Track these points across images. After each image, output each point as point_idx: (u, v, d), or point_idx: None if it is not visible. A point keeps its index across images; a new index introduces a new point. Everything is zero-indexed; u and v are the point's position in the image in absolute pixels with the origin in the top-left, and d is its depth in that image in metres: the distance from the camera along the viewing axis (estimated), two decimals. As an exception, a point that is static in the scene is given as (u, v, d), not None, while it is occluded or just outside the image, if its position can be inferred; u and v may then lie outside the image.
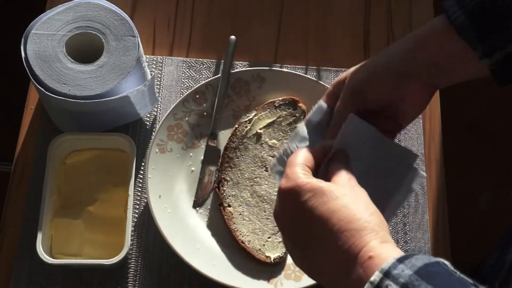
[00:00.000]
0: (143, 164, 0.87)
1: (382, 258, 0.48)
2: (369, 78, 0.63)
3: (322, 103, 0.68)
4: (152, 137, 0.85)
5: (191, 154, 0.87)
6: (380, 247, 0.49)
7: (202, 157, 0.87)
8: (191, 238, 0.82)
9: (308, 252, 0.53)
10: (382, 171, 0.64)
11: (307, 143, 0.67)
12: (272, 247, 0.82)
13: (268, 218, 0.83)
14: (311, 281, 0.79)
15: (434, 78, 0.63)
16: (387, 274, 0.46)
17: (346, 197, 0.52)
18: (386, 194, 0.63)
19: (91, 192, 0.82)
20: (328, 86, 0.90)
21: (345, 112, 0.63)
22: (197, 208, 0.85)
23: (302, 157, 0.57)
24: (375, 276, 0.46)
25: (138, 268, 0.82)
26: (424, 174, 0.66)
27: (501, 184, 1.72)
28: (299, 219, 0.53)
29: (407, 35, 0.64)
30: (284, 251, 0.82)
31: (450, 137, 1.04)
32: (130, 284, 0.81)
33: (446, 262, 0.48)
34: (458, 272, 0.47)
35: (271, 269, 0.81)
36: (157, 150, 0.85)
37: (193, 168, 0.86)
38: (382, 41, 0.99)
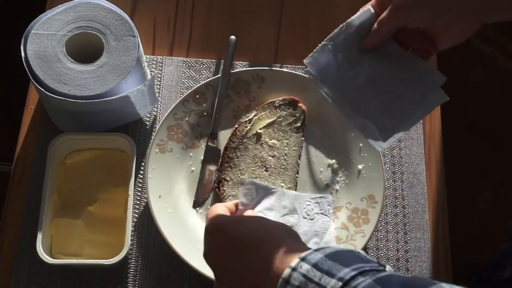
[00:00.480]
0: (143, 164, 0.87)
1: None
2: (417, 1, 0.65)
3: (370, 7, 0.70)
4: (152, 137, 0.85)
5: (191, 154, 0.87)
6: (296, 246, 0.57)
7: (202, 157, 0.87)
8: (191, 238, 0.82)
9: (232, 275, 0.60)
10: (406, 84, 0.69)
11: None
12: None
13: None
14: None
15: (481, 12, 0.65)
16: (303, 259, 0.53)
17: (261, 218, 0.65)
18: (408, 106, 0.69)
19: (91, 192, 0.82)
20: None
21: (387, 25, 0.67)
22: (197, 208, 0.85)
23: (220, 206, 0.70)
24: (294, 262, 0.53)
25: (138, 268, 0.82)
26: (447, 97, 0.70)
27: (501, 184, 1.72)
28: (223, 246, 0.61)
29: None
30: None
31: (450, 137, 1.04)
32: (130, 284, 0.81)
33: (361, 251, 0.56)
34: (367, 257, 0.55)
35: (271, 269, 0.81)
36: (157, 150, 0.85)
37: (193, 168, 0.86)
38: (382, 41, 0.99)
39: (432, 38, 0.69)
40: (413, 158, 0.91)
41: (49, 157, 0.80)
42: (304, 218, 0.83)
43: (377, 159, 0.86)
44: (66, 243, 0.80)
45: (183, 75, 0.93)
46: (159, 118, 0.90)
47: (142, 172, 0.87)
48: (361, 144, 0.87)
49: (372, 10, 0.70)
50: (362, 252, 0.55)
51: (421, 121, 0.93)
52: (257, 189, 0.80)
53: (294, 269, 0.53)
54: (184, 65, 0.94)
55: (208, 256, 0.63)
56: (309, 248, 0.56)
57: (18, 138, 0.88)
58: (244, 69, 0.93)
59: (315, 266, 0.52)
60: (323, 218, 0.84)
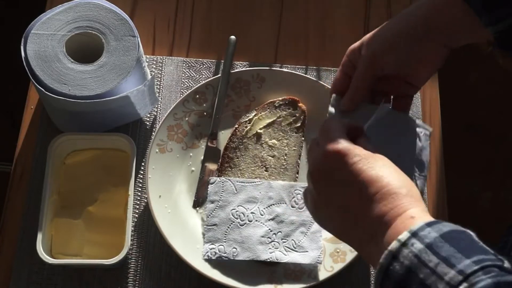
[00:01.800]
0: (143, 164, 0.87)
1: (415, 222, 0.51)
2: (385, 46, 0.68)
3: (334, 96, 0.72)
4: (152, 137, 0.85)
5: (191, 154, 0.87)
6: (420, 213, 0.52)
7: (202, 157, 0.87)
8: (191, 238, 0.82)
9: (344, 214, 0.56)
10: (413, 157, 0.71)
11: None
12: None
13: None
14: (311, 281, 0.79)
15: (446, 40, 0.67)
16: (414, 234, 0.49)
17: (392, 167, 0.56)
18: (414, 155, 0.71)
19: (91, 192, 0.82)
20: (329, 86, 0.90)
21: (363, 80, 0.69)
22: (197, 208, 0.85)
23: (343, 125, 0.61)
24: (403, 235, 0.49)
25: (138, 268, 0.82)
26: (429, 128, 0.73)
27: (501, 184, 1.72)
28: (342, 181, 0.56)
29: (415, 3, 0.69)
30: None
31: (450, 137, 1.04)
32: (130, 284, 0.81)
33: (472, 233, 0.51)
34: (481, 242, 0.50)
35: (271, 269, 0.81)
36: (157, 150, 0.85)
37: (193, 168, 0.86)
38: (382, 41, 0.99)
39: (407, 80, 0.70)
40: (413, 158, 0.91)
41: (49, 157, 0.80)
42: (293, 207, 0.84)
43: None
44: (66, 243, 0.80)
45: (183, 75, 0.93)
46: (159, 118, 0.90)
47: (142, 172, 0.87)
48: (361, 144, 0.87)
49: (337, 97, 0.71)
50: (474, 235, 0.51)
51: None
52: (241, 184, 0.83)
53: (404, 245, 0.49)
54: (184, 65, 0.94)
55: (319, 176, 0.59)
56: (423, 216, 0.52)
57: (18, 138, 0.88)
58: (244, 69, 0.93)
59: (430, 247, 0.48)
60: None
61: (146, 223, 0.84)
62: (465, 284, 0.45)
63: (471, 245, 0.49)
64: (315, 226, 0.83)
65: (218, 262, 0.80)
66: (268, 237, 0.82)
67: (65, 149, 0.83)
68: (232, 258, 0.80)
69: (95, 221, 0.81)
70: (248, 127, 0.87)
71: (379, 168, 0.55)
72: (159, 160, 0.84)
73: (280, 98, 0.89)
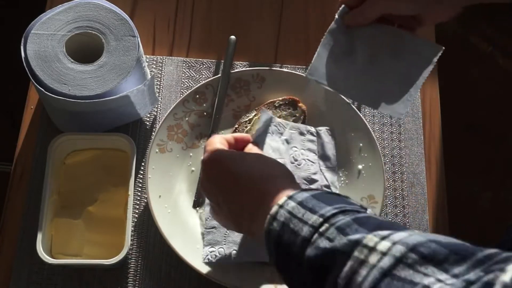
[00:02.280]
0: (143, 164, 0.87)
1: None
2: None
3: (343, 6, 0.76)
4: (152, 137, 0.85)
5: (191, 154, 0.87)
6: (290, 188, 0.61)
7: (202, 157, 0.87)
8: (191, 238, 0.82)
9: (232, 205, 0.65)
10: (403, 54, 0.74)
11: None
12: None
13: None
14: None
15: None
16: (290, 197, 0.58)
17: (261, 156, 0.69)
18: (412, 69, 0.74)
19: (91, 192, 0.82)
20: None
21: (371, 10, 0.72)
22: (197, 208, 0.85)
23: (222, 138, 0.71)
24: (282, 200, 0.58)
25: (138, 268, 0.82)
26: (441, 47, 0.75)
27: (501, 184, 1.72)
28: (223, 180, 0.65)
29: None
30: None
31: (450, 137, 1.04)
32: (130, 284, 0.81)
33: (348, 197, 0.59)
34: (353, 202, 0.58)
35: (271, 269, 0.81)
36: (157, 150, 0.85)
37: (193, 168, 0.86)
38: (382, 41, 0.99)
39: (417, 18, 0.73)
40: (413, 158, 0.91)
41: (49, 157, 0.80)
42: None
43: (377, 159, 0.86)
44: (66, 243, 0.80)
45: (183, 75, 0.93)
46: (159, 118, 0.90)
47: (142, 172, 0.87)
48: (361, 144, 0.87)
49: (345, 8, 0.74)
50: (351, 199, 0.58)
51: (421, 121, 0.93)
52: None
53: (281, 206, 0.57)
54: (184, 65, 0.94)
55: (205, 186, 0.68)
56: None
57: (18, 138, 0.88)
58: (244, 69, 0.93)
59: (300, 203, 0.56)
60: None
61: (146, 223, 0.84)
62: (326, 225, 0.53)
63: (337, 200, 0.56)
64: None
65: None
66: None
67: (65, 149, 0.83)
68: (232, 260, 0.80)
69: (95, 221, 0.81)
70: (248, 127, 0.87)
71: (250, 161, 0.66)
72: (159, 160, 0.84)
73: (280, 98, 0.89)
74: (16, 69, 0.86)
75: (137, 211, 0.85)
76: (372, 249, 0.47)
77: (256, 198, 0.62)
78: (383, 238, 0.48)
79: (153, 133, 0.88)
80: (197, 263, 0.79)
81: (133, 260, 0.82)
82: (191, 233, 0.82)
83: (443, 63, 0.96)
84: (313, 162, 0.85)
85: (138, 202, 0.85)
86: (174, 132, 0.86)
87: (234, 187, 0.64)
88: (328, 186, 0.84)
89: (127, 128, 0.89)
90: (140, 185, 0.86)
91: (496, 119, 1.79)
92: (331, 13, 1.00)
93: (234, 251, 0.80)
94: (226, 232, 0.81)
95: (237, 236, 0.81)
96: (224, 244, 0.81)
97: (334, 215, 0.53)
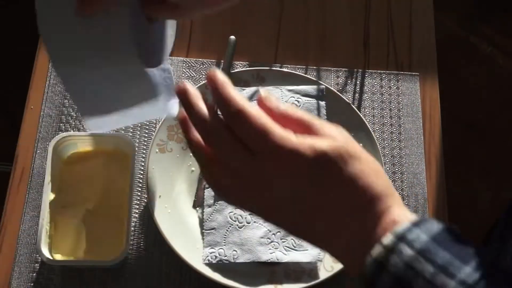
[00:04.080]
0: (143, 164, 0.87)
1: (397, 219, 0.45)
2: None
3: None
4: (152, 137, 0.85)
5: (191, 154, 0.87)
6: (401, 209, 0.46)
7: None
8: (191, 238, 0.82)
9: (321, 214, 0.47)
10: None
11: None
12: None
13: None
14: (311, 281, 0.79)
15: None
16: (401, 238, 0.43)
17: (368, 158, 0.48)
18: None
19: (91, 192, 0.82)
20: (329, 86, 0.90)
21: None
22: (197, 208, 0.85)
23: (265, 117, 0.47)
24: (387, 239, 0.43)
25: (138, 268, 0.82)
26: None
27: (501, 184, 1.72)
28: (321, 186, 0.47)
29: None
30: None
31: (450, 137, 1.04)
32: (130, 284, 0.81)
33: (457, 229, 0.46)
34: (470, 240, 0.46)
35: (271, 269, 0.81)
36: (157, 150, 0.85)
37: (193, 168, 0.86)
38: (382, 41, 0.99)
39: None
40: (413, 158, 0.91)
41: (49, 157, 0.80)
42: None
43: (377, 159, 0.85)
44: (66, 243, 0.80)
45: (183, 75, 0.93)
46: (159, 118, 0.90)
47: (142, 172, 0.87)
48: (361, 144, 0.87)
49: None
50: (458, 231, 0.45)
51: (421, 121, 0.93)
52: None
53: (390, 251, 0.43)
54: (184, 65, 0.94)
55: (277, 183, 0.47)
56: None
57: (18, 138, 0.88)
58: (244, 69, 0.93)
59: (423, 254, 0.42)
60: None
61: (146, 223, 0.84)
62: None
63: (462, 246, 0.44)
64: None
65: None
66: (268, 238, 0.82)
67: (65, 149, 0.83)
68: (232, 261, 0.80)
69: (95, 221, 0.81)
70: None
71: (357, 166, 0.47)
72: (159, 160, 0.84)
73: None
74: (16, 69, 0.86)
75: (137, 211, 0.85)
76: None
77: (356, 217, 0.46)
78: None
79: (153, 133, 0.88)
80: (197, 263, 0.79)
81: (133, 260, 0.82)
82: (191, 233, 0.82)
83: (443, 63, 0.96)
84: None
85: (138, 202, 0.85)
86: (174, 132, 0.86)
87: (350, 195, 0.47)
88: None
89: (127, 128, 0.89)
90: (140, 185, 0.86)
91: (496, 119, 1.79)
92: (331, 13, 1.01)
93: (234, 252, 0.80)
94: (226, 233, 0.81)
95: (236, 237, 0.81)
96: (224, 245, 0.81)
97: (478, 281, 0.41)
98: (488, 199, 1.71)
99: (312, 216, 0.47)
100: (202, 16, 0.57)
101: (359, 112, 0.88)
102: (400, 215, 0.46)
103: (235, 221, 0.82)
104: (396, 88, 0.95)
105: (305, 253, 0.81)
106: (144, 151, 0.88)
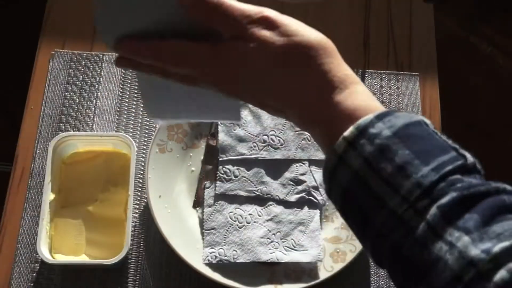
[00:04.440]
0: (143, 164, 0.87)
1: (358, 105, 0.44)
2: None
3: None
4: (152, 137, 0.85)
5: (191, 154, 0.87)
6: (356, 84, 0.46)
7: (202, 157, 0.87)
8: (191, 238, 0.82)
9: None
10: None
11: None
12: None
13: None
14: (311, 281, 0.79)
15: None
16: (363, 132, 0.42)
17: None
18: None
19: (91, 192, 0.82)
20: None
21: None
22: (197, 208, 0.85)
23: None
24: (350, 132, 0.42)
25: (138, 268, 0.82)
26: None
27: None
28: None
29: None
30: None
31: (450, 137, 1.04)
32: (130, 284, 0.81)
33: (427, 121, 0.44)
34: (438, 133, 0.44)
35: (271, 269, 0.81)
36: (157, 150, 0.85)
37: (193, 168, 0.86)
38: (382, 41, 0.99)
39: None
40: (413, 158, 0.91)
41: (49, 157, 0.80)
42: (287, 202, 0.84)
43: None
44: (66, 243, 0.80)
45: (183, 75, 0.93)
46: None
47: (142, 172, 0.87)
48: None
49: None
50: (429, 122, 0.45)
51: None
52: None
53: (351, 144, 0.42)
54: (184, 65, 0.94)
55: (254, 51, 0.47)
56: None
57: (18, 138, 0.88)
58: (244, 69, 0.93)
59: (381, 150, 0.41)
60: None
61: (146, 223, 0.84)
62: (425, 201, 0.39)
63: (428, 143, 0.42)
64: (314, 224, 0.83)
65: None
66: (268, 238, 0.82)
67: (65, 149, 0.83)
68: (232, 261, 0.80)
69: (95, 221, 0.81)
70: (248, 127, 0.87)
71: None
72: (159, 160, 0.84)
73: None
74: (16, 68, 0.86)
75: (137, 211, 0.85)
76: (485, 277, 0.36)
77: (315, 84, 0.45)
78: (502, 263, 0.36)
79: (153, 133, 0.88)
80: (197, 263, 0.79)
81: (133, 260, 0.82)
82: (191, 233, 0.82)
83: (443, 63, 0.96)
84: (303, 163, 0.85)
85: (138, 202, 0.85)
86: (174, 132, 0.86)
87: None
88: (316, 188, 0.84)
89: (127, 128, 0.89)
90: (140, 185, 0.86)
91: (496, 119, 1.79)
92: (331, 13, 1.01)
93: (234, 252, 0.80)
94: (226, 233, 0.81)
95: (236, 237, 0.81)
96: (224, 245, 0.81)
97: (435, 184, 0.39)
98: (488, 199, 1.71)
99: (275, 94, 0.48)
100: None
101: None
102: (367, 105, 0.44)
103: (235, 221, 0.82)
104: (396, 88, 0.95)
105: (305, 253, 0.81)
106: (144, 151, 0.88)
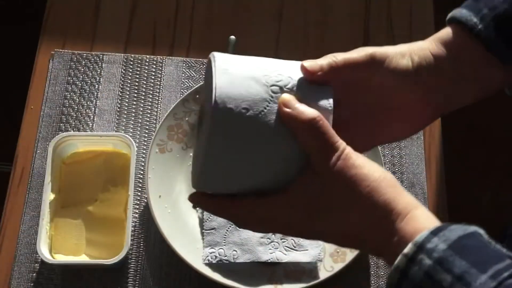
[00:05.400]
0: (143, 164, 0.87)
1: (417, 227, 0.48)
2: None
3: None
4: (152, 137, 0.85)
5: (191, 154, 0.87)
6: (416, 210, 0.51)
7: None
8: (191, 238, 0.82)
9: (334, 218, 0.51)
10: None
11: None
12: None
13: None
14: (311, 281, 0.79)
15: (445, 87, 0.59)
16: (421, 247, 0.45)
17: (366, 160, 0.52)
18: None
19: (91, 192, 0.82)
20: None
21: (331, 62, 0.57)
22: (197, 208, 0.85)
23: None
24: (409, 249, 0.46)
25: (138, 268, 0.82)
26: None
27: (501, 184, 1.72)
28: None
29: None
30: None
31: (450, 137, 1.04)
32: (130, 284, 0.81)
33: (481, 232, 0.47)
34: (493, 242, 0.47)
35: (271, 269, 0.81)
36: (157, 150, 0.85)
37: (193, 168, 0.86)
38: (382, 41, 0.99)
39: (376, 126, 0.59)
40: (413, 158, 0.91)
41: (49, 157, 0.80)
42: None
43: (377, 159, 0.86)
44: (66, 243, 0.80)
45: (183, 75, 0.93)
46: (159, 118, 0.90)
47: (142, 172, 0.87)
48: (361, 144, 0.87)
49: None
50: (483, 232, 0.47)
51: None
52: None
53: (411, 260, 0.45)
54: (184, 65, 0.94)
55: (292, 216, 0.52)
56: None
57: (18, 138, 0.88)
58: (244, 69, 0.93)
59: (440, 263, 0.44)
60: None
61: (146, 223, 0.84)
62: None
63: (483, 253, 0.45)
64: None
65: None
66: (268, 238, 0.82)
67: (65, 149, 0.83)
68: (232, 261, 0.80)
69: (95, 221, 0.81)
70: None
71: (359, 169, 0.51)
72: (159, 160, 0.84)
73: (280, 98, 0.89)
74: (16, 68, 0.86)
75: (137, 211, 0.85)
76: None
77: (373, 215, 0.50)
78: None
79: (153, 133, 0.88)
80: (197, 263, 0.79)
81: (133, 260, 0.82)
82: (191, 233, 0.82)
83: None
84: None
85: (138, 202, 0.85)
86: (174, 132, 0.86)
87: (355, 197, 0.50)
88: None
89: (127, 128, 0.89)
90: (140, 185, 0.86)
91: (496, 119, 1.78)
92: (331, 13, 1.01)
93: (234, 252, 0.80)
94: (226, 233, 0.81)
95: (236, 237, 0.81)
96: (224, 245, 0.81)
97: None
98: (488, 199, 1.71)
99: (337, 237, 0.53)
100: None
101: (359, 112, 0.88)
102: (422, 222, 0.49)
103: None
104: (396, 88, 0.95)
105: (305, 253, 0.81)
106: (144, 151, 0.88)
